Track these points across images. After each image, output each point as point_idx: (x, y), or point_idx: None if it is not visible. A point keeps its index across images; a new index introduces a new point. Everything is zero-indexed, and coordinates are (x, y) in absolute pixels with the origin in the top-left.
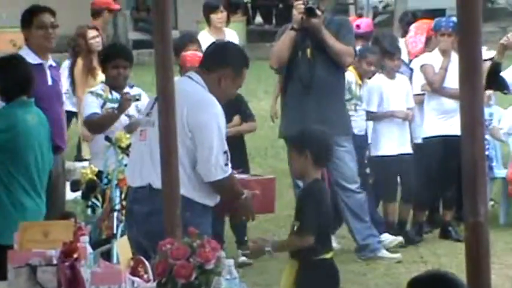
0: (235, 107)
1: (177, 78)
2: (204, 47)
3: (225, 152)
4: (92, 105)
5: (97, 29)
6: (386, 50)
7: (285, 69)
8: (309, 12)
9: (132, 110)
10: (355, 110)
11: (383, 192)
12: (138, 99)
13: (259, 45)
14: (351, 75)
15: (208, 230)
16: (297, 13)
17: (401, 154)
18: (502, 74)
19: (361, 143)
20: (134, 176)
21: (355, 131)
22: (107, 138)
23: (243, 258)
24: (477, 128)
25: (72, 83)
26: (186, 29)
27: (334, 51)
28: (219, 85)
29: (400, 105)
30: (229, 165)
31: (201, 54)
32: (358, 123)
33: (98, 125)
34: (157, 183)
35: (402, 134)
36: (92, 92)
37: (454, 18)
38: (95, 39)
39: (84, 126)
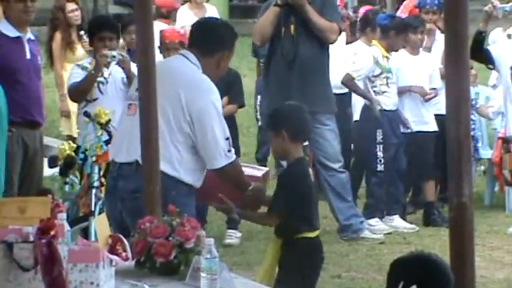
0: (229, 85)
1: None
2: (183, 22)
3: (227, 138)
4: (75, 76)
5: (76, 2)
6: (409, 23)
7: (268, 46)
8: None
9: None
10: (387, 85)
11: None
12: (114, 57)
13: (241, 22)
14: (376, 49)
15: (193, 210)
16: None
17: (417, 132)
18: (488, 47)
19: (393, 119)
20: (120, 151)
21: (389, 107)
22: (86, 114)
23: (228, 241)
24: (462, 108)
25: (50, 57)
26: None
27: (318, 28)
28: (217, 68)
29: (421, 83)
30: (233, 151)
31: (180, 30)
32: (392, 99)
33: (78, 90)
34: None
35: (419, 112)
36: (78, 65)
37: None
38: (74, 13)
39: (68, 96)
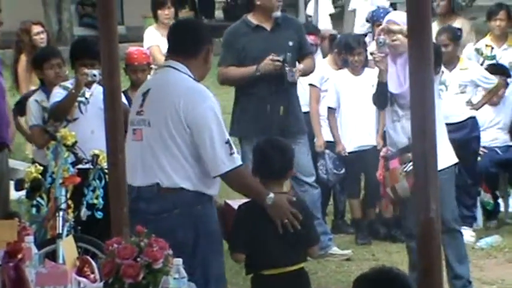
0: None
1: (155, 72)
2: (151, 43)
3: (227, 142)
4: (57, 96)
5: (42, 25)
6: (347, 43)
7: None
8: (283, 76)
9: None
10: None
11: (348, 188)
12: (95, 75)
13: None
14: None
15: (217, 221)
16: (272, 67)
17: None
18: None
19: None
20: (135, 175)
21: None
22: (52, 136)
23: None
24: (428, 123)
25: (16, 80)
26: (133, 24)
27: (306, 74)
28: (205, 64)
29: (362, 103)
30: (235, 155)
31: (146, 51)
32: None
33: (59, 109)
34: (166, 183)
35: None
36: (60, 85)
37: (389, 9)
38: (40, 35)
39: (49, 115)
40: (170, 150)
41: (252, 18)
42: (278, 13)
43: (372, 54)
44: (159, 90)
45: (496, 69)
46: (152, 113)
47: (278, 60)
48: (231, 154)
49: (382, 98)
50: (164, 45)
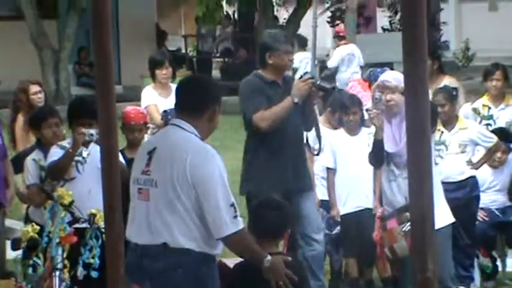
0: None
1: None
2: (148, 102)
3: (232, 205)
4: (55, 155)
5: (40, 84)
6: (342, 103)
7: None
8: (320, 88)
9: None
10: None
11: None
12: (92, 135)
13: None
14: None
15: (219, 282)
16: (305, 88)
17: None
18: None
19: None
20: (140, 233)
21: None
22: (48, 196)
23: None
24: (425, 181)
25: (13, 139)
26: (130, 83)
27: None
28: (210, 123)
29: (362, 164)
30: (239, 218)
31: (143, 111)
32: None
33: (56, 168)
34: (172, 243)
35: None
36: (58, 145)
37: (386, 69)
38: (37, 95)
39: (47, 174)
40: (177, 211)
41: (264, 74)
42: (289, 73)
43: (367, 110)
44: (166, 150)
45: (500, 134)
46: (159, 174)
47: (308, 78)
48: (235, 217)
49: (379, 156)
50: (161, 104)
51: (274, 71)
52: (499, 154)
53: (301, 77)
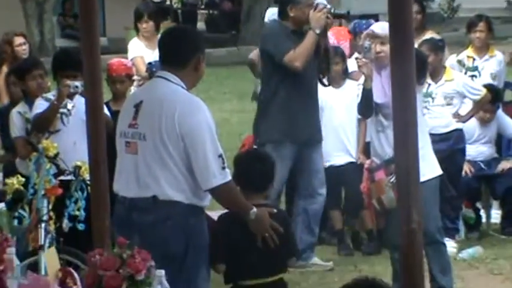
0: None
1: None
2: (134, 54)
3: (220, 156)
4: (39, 107)
5: (24, 36)
6: None
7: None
8: (336, 15)
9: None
10: None
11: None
12: (77, 87)
13: None
14: None
15: (207, 233)
16: (322, 17)
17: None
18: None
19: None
20: (128, 187)
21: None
22: (34, 148)
23: None
24: (410, 135)
25: None
26: (115, 35)
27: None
28: (196, 72)
29: (346, 116)
30: (227, 169)
31: (127, 62)
32: None
33: (41, 120)
34: (161, 196)
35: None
36: (43, 96)
37: (371, 21)
38: (22, 47)
39: (32, 127)
40: (166, 163)
41: (287, 24)
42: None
43: (356, 59)
44: (153, 103)
45: (489, 91)
46: (147, 127)
47: (323, 7)
48: (223, 168)
49: (367, 105)
50: (148, 57)
51: (295, 23)
52: (487, 115)
53: (315, 8)
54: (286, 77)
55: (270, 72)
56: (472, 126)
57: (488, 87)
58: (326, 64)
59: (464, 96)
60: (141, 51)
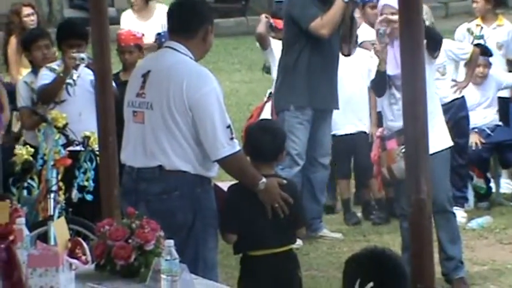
0: None
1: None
2: (126, 26)
3: (228, 126)
4: (44, 78)
5: (32, 6)
6: None
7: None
8: None
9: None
10: None
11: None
12: (83, 59)
13: None
14: None
15: (215, 204)
16: None
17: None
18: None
19: None
20: (136, 157)
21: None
22: (42, 118)
23: None
24: (418, 105)
25: (6, 61)
26: (123, 6)
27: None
28: (204, 42)
29: (356, 85)
30: (235, 140)
31: (136, 33)
32: None
33: (47, 91)
34: (168, 166)
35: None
36: (47, 67)
37: None
38: (30, 17)
39: (37, 97)
40: (172, 133)
41: None
42: None
43: (373, 45)
44: (161, 73)
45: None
46: (155, 96)
47: None
48: (231, 139)
49: (381, 85)
50: (139, 28)
51: None
52: (480, 69)
53: None
54: (310, 43)
55: (292, 38)
56: (472, 93)
57: (474, 45)
58: (349, 33)
59: (455, 60)
60: (134, 24)
